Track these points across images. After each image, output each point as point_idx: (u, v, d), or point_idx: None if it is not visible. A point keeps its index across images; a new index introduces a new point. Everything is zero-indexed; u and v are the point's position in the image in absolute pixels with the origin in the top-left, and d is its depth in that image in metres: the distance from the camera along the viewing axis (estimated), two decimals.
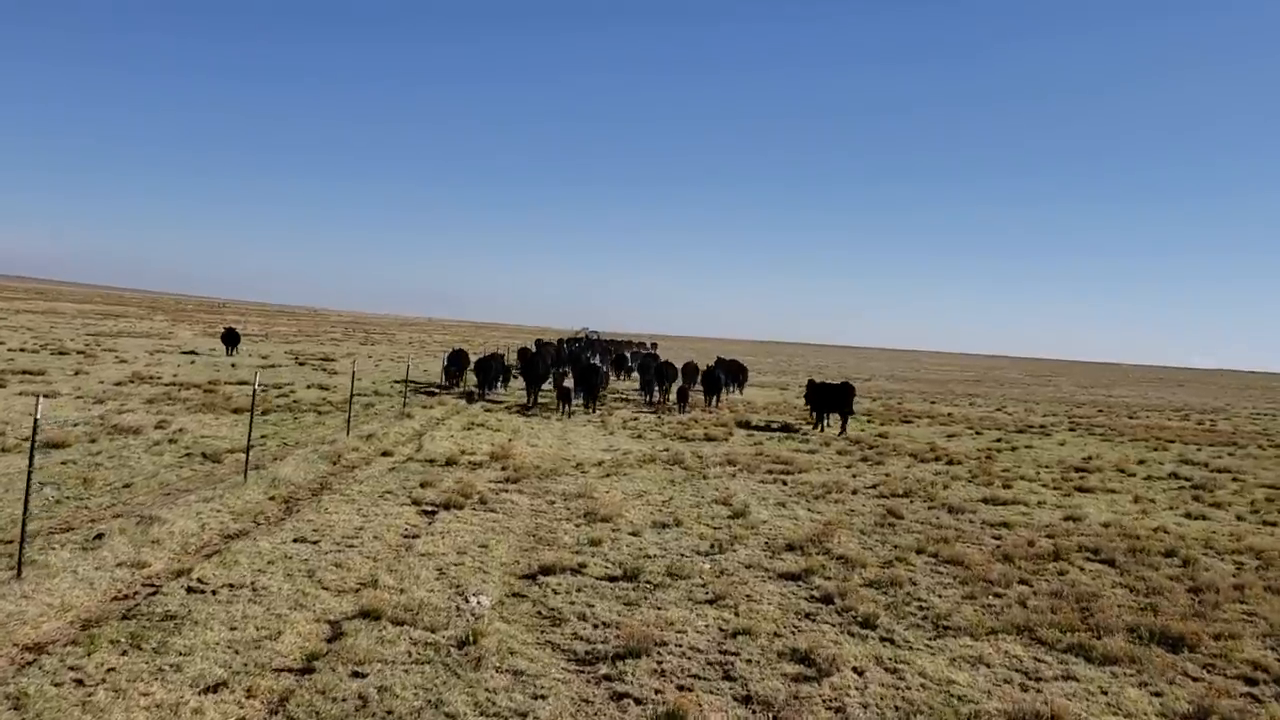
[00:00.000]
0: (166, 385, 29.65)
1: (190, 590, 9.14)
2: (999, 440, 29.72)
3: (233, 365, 41.01)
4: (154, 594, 8.97)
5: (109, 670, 7.07)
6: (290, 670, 7.33)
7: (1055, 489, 19.70)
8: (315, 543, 11.40)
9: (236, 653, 7.59)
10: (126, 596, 8.91)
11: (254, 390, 15.80)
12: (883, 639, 9.09)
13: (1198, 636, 9.38)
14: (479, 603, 9.39)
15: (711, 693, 7.50)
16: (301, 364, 45.18)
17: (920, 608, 10.21)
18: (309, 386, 32.75)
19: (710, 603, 9.94)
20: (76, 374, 31.23)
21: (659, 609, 9.62)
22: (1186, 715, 7.49)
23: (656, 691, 7.42)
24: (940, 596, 10.68)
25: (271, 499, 13.74)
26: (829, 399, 29.39)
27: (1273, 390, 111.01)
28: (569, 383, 33.02)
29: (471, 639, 8.18)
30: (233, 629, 8.13)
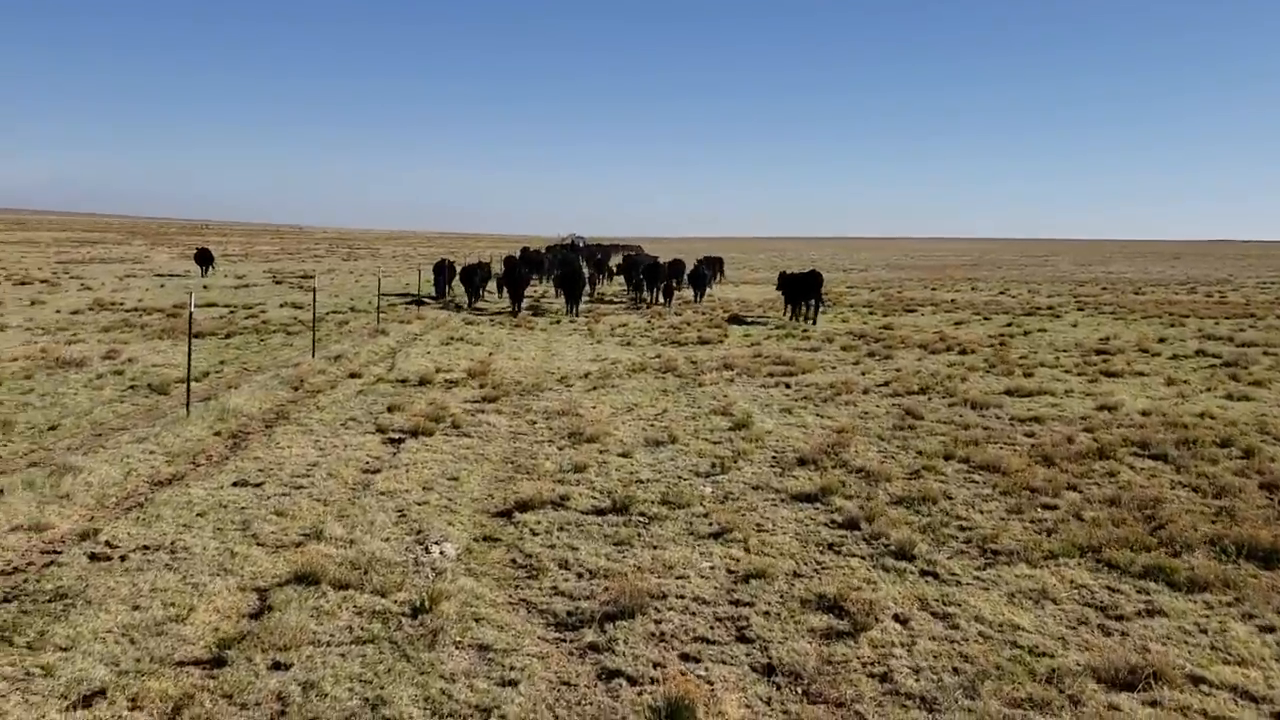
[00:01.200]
0: (128, 311, 27.96)
1: (94, 557, 7.62)
2: (1009, 325, 28.22)
3: (204, 287, 39.25)
4: (49, 565, 7.45)
5: None
6: (196, 664, 5.83)
7: (1080, 375, 18.22)
8: (258, 485, 9.87)
9: (132, 642, 6.08)
10: (16, 570, 7.38)
11: (190, 310, 14.05)
12: (924, 573, 7.61)
13: None
14: (442, 553, 7.89)
15: (724, 662, 6.02)
16: (278, 282, 43.41)
17: (961, 528, 8.73)
18: (282, 305, 31.06)
19: (715, 537, 8.44)
20: (33, 304, 29.46)
21: (655, 548, 8.13)
22: None
23: (656, 665, 5.93)
24: (982, 512, 9.21)
25: (217, 434, 12.19)
26: (799, 288, 28.94)
27: (1270, 258, 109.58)
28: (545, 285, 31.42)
29: (428, 604, 6.69)
30: (135, 608, 6.61)
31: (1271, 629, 6.51)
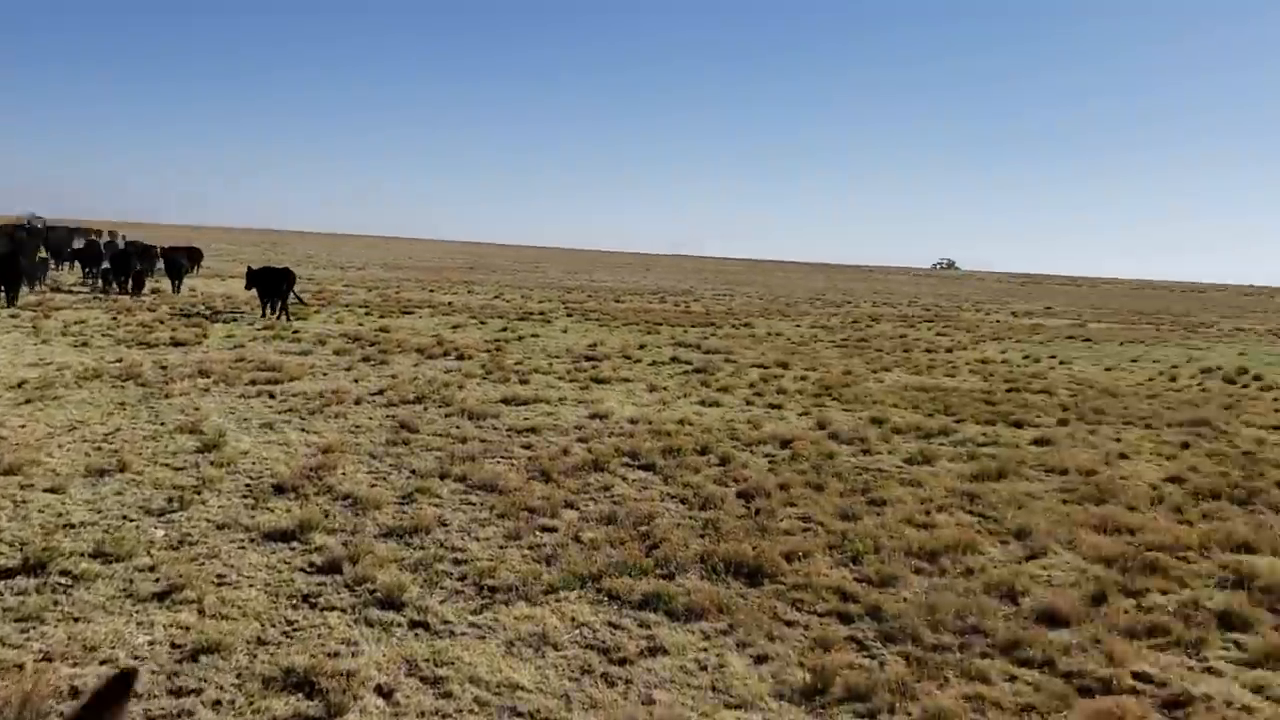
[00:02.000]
0: None
1: None
2: (505, 330, 28.46)
3: None
4: None
5: None
6: None
7: (572, 381, 18.51)
8: None
9: None
10: None
11: None
12: (414, 624, 6.65)
13: (772, 561, 8.08)
14: None
15: None
16: None
17: (457, 562, 7.93)
18: None
19: (161, 598, 6.82)
20: None
21: (76, 621, 6.34)
22: (806, 690, 5.96)
23: None
24: (479, 540, 8.49)
25: None
26: (270, 283, 28.15)
27: (724, 273, 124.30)
28: None
29: None
30: None
31: (765, 658, 6.41)
